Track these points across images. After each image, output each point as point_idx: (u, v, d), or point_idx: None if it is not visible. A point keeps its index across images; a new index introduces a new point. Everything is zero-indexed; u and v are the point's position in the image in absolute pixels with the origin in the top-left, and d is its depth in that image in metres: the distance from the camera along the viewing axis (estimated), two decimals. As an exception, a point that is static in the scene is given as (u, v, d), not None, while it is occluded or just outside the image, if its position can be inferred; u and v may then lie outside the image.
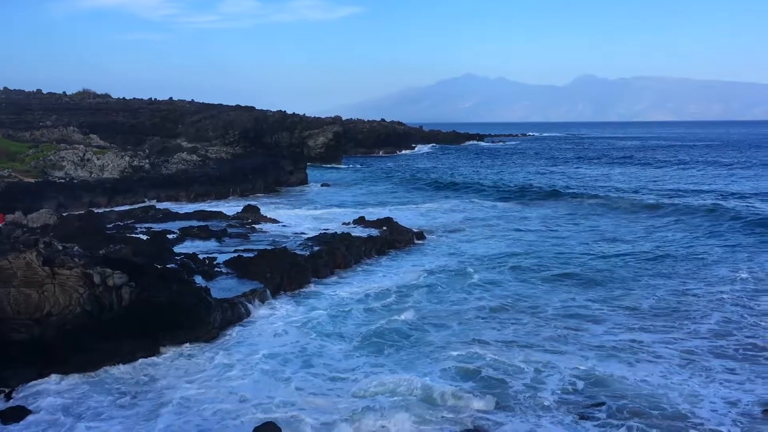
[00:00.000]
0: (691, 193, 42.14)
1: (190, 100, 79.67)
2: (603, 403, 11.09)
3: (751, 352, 13.56)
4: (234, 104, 78.09)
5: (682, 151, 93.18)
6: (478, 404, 11.01)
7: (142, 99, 77.42)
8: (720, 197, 39.57)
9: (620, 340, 14.31)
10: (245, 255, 20.49)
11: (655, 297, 17.69)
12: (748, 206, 34.35)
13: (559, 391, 11.56)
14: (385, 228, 27.11)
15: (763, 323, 15.37)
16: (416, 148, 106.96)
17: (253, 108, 76.05)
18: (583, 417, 10.68)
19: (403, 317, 15.86)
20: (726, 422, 10.46)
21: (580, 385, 11.82)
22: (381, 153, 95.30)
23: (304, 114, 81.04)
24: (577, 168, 66.79)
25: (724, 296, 17.63)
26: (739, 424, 10.41)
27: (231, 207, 35.34)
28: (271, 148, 65.13)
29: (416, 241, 26.01)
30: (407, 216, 33.20)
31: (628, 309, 16.69)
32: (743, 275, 19.82)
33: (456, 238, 27.16)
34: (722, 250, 23.80)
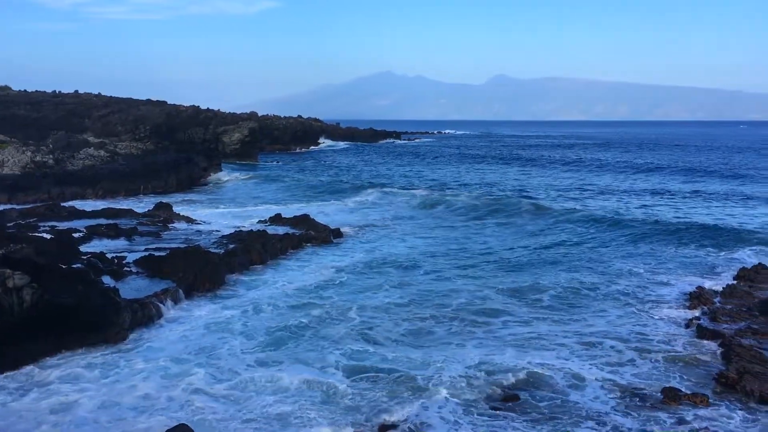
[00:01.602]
0: (597, 194, 44.01)
1: (97, 93, 76.61)
2: (504, 394, 11.50)
3: (644, 337, 14.38)
4: (145, 98, 75.67)
5: (591, 150, 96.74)
6: (378, 399, 11.18)
7: (45, 92, 73.74)
8: (622, 196, 41.68)
9: (521, 332, 14.86)
10: (157, 254, 19.96)
11: (556, 290, 18.38)
12: (647, 208, 36.72)
13: (456, 384, 11.81)
14: (301, 225, 26.99)
15: (652, 312, 16.36)
16: (333, 145, 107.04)
17: (165, 102, 73.85)
18: (483, 407, 11.02)
19: (312, 315, 15.90)
20: (620, 409, 11.07)
21: (479, 375, 12.14)
22: (298, 150, 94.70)
23: (219, 109, 79.26)
24: (495, 166, 68.34)
25: (620, 288, 18.58)
26: (631, 411, 11.00)
27: (142, 205, 34.33)
28: (184, 144, 63.46)
29: (333, 239, 26.00)
30: (325, 212, 33.17)
31: (532, 302, 17.32)
32: (638, 270, 20.92)
33: (373, 235, 27.34)
34: (621, 247, 24.96)
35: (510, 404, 11.13)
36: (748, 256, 22.57)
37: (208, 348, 13.66)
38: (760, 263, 20.27)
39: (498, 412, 10.87)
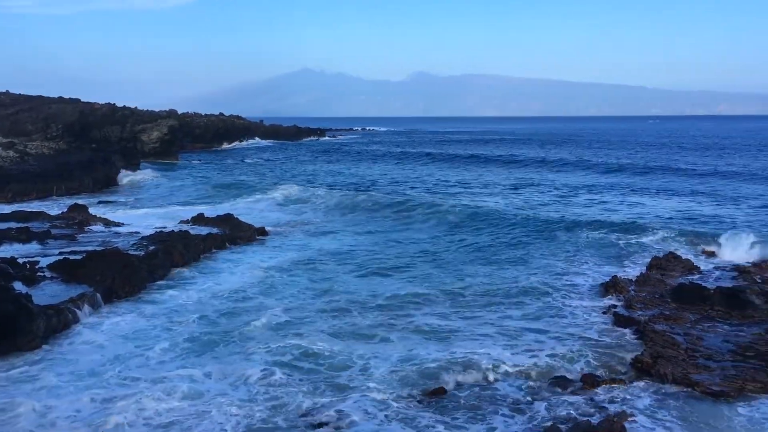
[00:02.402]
0: (517, 189, 45.14)
1: (5, 91, 73.01)
2: (429, 387, 11.63)
3: (563, 326, 14.84)
4: (57, 96, 72.66)
5: (512, 146, 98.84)
6: (303, 397, 11.13)
7: (-54, 90, 69.76)
8: (541, 190, 42.96)
9: (445, 325, 15.08)
10: (72, 257, 19.19)
11: (478, 284, 18.72)
12: (565, 201, 38.27)
13: (382, 378, 11.88)
14: (225, 225, 26.50)
15: (570, 302, 16.98)
16: (256, 143, 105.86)
17: (78, 100, 71.09)
18: (409, 401, 11.14)
19: (238, 316, 15.67)
20: (539, 396, 11.42)
21: (405, 369, 12.22)
22: (220, 147, 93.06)
23: (136, 107, 76.79)
24: (420, 163, 68.94)
25: (539, 280, 19.13)
26: (549, 398, 11.36)
27: (55, 207, 32.93)
28: (100, 143, 61.31)
29: (258, 237, 25.68)
30: (251, 210, 32.71)
31: (455, 295, 17.60)
32: (557, 261, 21.66)
33: (300, 233, 27.16)
34: (540, 241, 25.59)
35: (435, 396, 11.28)
36: (659, 245, 23.62)
37: (127, 355, 13.19)
38: (670, 252, 21.28)
39: (423, 404, 11.01)
